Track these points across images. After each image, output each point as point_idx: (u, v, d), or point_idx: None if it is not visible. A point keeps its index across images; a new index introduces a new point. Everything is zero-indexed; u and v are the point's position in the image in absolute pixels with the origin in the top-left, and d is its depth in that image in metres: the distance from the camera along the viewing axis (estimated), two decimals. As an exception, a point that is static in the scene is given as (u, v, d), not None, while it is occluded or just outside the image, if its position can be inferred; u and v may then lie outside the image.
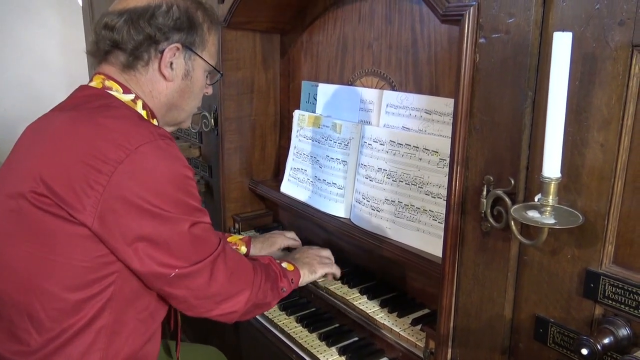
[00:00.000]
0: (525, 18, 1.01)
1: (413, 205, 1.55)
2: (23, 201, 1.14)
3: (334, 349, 1.63)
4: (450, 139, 1.18)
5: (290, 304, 1.86)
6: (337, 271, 1.71)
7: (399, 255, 1.55)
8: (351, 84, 1.84)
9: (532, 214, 0.98)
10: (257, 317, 1.83)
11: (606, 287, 0.98)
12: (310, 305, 1.87)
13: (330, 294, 1.71)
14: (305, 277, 1.60)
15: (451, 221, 1.20)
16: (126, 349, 1.26)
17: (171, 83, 1.34)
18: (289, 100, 2.16)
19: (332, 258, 1.74)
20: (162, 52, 1.29)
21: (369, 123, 1.75)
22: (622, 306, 0.96)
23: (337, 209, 1.80)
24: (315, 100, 1.97)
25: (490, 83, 1.09)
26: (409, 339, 1.46)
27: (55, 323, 1.18)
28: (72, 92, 1.35)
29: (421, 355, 1.40)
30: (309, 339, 1.69)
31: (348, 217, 1.77)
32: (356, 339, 1.67)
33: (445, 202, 1.22)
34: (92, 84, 1.32)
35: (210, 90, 1.49)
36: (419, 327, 1.49)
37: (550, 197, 0.95)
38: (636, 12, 0.87)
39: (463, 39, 1.11)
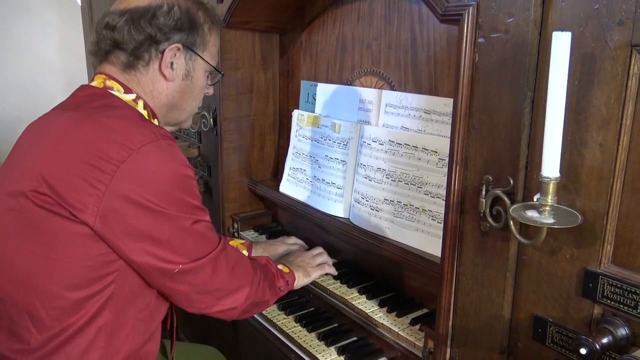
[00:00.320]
0: (524, 18, 1.01)
1: (412, 205, 1.55)
2: (24, 200, 1.15)
3: (332, 349, 1.63)
4: (449, 139, 1.18)
5: (289, 304, 1.86)
6: (332, 271, 1.74)
7: (398, 255, 1.55)
8: (350, 84, 1.84)
9: (531, 213, 0.99)
10: (256, 316, 1.83)
11: (605, 287, 0.98)
12: (309, 305, 1.87)
13: (329, 294, 1.71)
14: (300, 281, 1.63)
15: (450, 221, 1.20)
16: (126, 347, 1.26)
17: (172, 83, 1.34)
18: (288, 100, 2.16)
19: (327, 259, 1.76)
20: (162, 52, 1.29)
21: (368, 123, 1.75)
22: (621, 306, 0.97)
23: (336, 208, 1.80)
24: (315, 100, 1.97)
25: (490, 83, 1.09)
26: (408, 339, 1.46)
27: (56, 322, 1.18)
28: (72, 91, 1.35)
29: (420, 355, 1.40)
30: (308, 339, 1.69)
31: (347, 217, 1.77)
32: (355, 338, 1.67)
33: (444, 201, 1.23)
34: (94, 83, 1.32)
35: (211, 91, 1.50)
36: (417, 326, 1.49)
37: (549, 196, 0.95)
38: (635, 12, 0.88)
39: (462, 38, 1.11)
